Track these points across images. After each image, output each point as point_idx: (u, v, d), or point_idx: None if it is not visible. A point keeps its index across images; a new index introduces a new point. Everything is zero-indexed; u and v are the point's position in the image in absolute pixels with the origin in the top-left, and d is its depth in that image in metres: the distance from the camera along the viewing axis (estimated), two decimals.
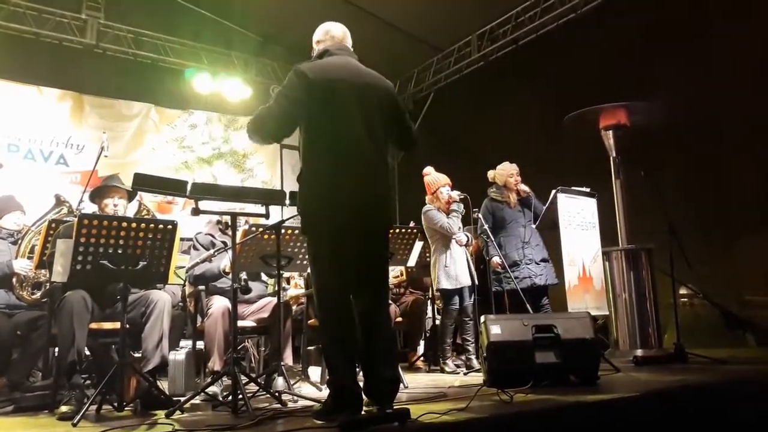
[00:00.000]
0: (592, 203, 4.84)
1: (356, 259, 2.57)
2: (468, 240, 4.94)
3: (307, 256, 3.81)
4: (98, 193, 3.71)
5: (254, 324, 3.95)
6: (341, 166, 2.55)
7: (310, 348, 4.83)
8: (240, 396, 2.86)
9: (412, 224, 4.85)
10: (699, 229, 5.42)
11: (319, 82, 2.58)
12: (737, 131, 5.60)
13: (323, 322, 2.57)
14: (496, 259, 5.02)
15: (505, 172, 5.28)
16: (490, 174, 5.37)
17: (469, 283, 4.86)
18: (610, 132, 5.19)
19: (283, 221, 3.49)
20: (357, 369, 2.66)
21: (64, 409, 2.97)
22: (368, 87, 2.67)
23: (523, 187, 5.20)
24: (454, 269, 4.84)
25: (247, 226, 3.77)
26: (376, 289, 2.66)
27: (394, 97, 2.80)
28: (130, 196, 3.72)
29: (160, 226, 3.20)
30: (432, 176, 5.10)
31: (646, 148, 5.47)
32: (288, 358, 3.85)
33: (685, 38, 5.89)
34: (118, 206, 3.63)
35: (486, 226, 4.92)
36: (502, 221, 5.19)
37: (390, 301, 5.17)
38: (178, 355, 3.95)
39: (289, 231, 3.70)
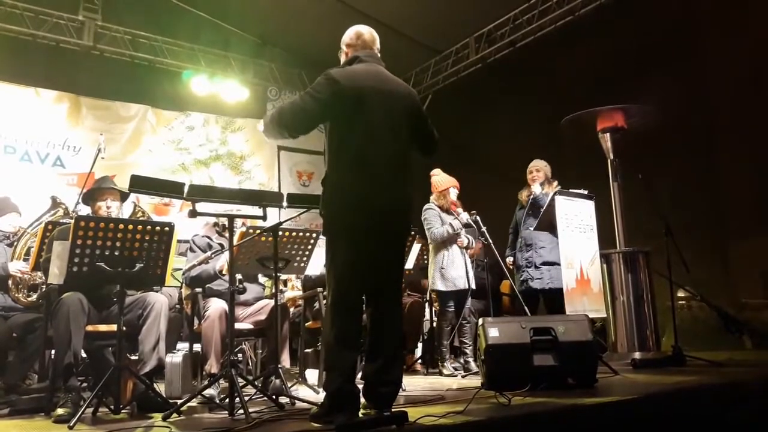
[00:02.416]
0: (590, 206, 4.84)
1: (375, 263, 2.59)
2: (469, 242, 4.93)
3: (304, 258, 3.83)
4: (91, 196, 3.70)
5: (251, 326, 3.94)
6: (366, 171, 2.59)
7: (307, 350, 4.82)
8: (237, 398, 2.85)
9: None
10: (696, 231, 5.43)
11: (349, 88, 2.62)
12: (733, 134, 5.62)
13: (332, 322, 2.57)
14: (509, 260, 5.03)
15: (528, 169, 5.24)
16: None
17: (466, 286, 4.82)
18: (608, 135, 5.21)
19: (280, 223, 3.48)
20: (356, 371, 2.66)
21: (60, 411, 2.95)
22: (395, 95, 2.72)
23: (533, 188, 5.12)
24: (451, 272, 4.83)
25: (244, 228, 3.76)
26: (391, 293, 2.69)
27: (418, 105, 2.88)
28: (123, 197, 3.71)
29: (157, 228, 3.19)
30: (440, 177, 5.11)
31: (643, 151, 5.48)
32: (285, 360, 3.84)
33: (681, 41, 5.91)
34: (111, 208, 3.62)
35: (483, 228, 4.91)
36: (518, 224, 5.23)
37: None
38: (175, 358, 3.94)
39: (286, 233, 3.69)
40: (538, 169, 5.17)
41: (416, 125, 2.82)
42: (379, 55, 2.88)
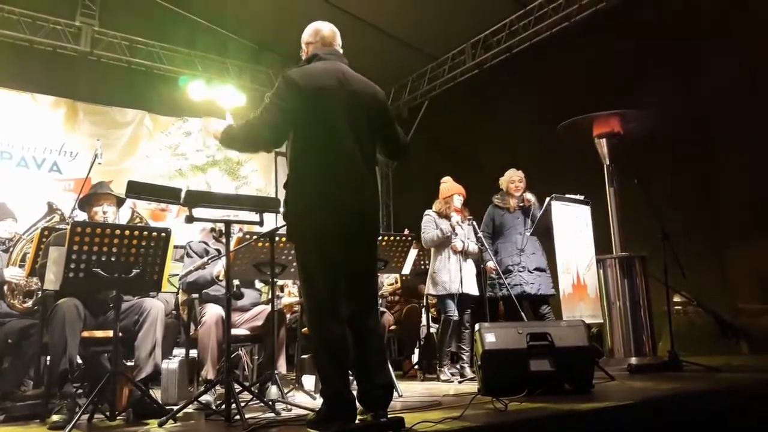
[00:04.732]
0: (586, 211, 4.85)
1: (344, 266, 2.55)
2: (464, 246, 4.93)
3: None
4: (87, 201, 3.70)
5: (248, 332, 3.93)
6: (328, 173, 2.53)
7: (304, 356, 4.81)
8: (233, 405, 2.84)
9: (406, 232, 4.85)
10: (693, 236, 5.43)
11: (308, 89, 2.56)
12: (730, 138, 5.64)
13: (314, 329, 2.56)
14: (490, 264, 5.03)
15: (507, 178, 5.31)
16: (500, 180, 5.40)
17: (458, 290, 4.79)
18: (604, 140, 5.22)
19: (277, 229, 3.48)
20: (351, 377, 2.65)
21: (55, 418, 2.93)
22: (357, 93, 2.65)
23: (528, 196, 5.17)
24: (442, 276, 4.84)
25: (240, 234, 3.76)
26: (366, 295, 2.64)
27: (384, 103, 2.78)
28: (119, 202, 3.71)
29: (154, 233, 3.18)
30: (447, 184, 5.15)
31: (639, 156, 5.49)
32: (282, 366, 3.83)
33: (677, 47, 5.93)
34: (108, 213, 3.62)
35: (480, 233, 4.93)
36: (501, 227, 5.21)
37: (384, 309, 5.18)
38: (171, 364, 3.93)
39: (283, 239, 3.68)
40: (521, 179, 5.25)
41: (380, 125, 2.71)
42: (341, 51, 2.79)
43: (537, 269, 5.00)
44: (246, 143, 2.73)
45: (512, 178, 5.27)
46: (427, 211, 5.09)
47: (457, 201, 5.03)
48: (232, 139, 2.70)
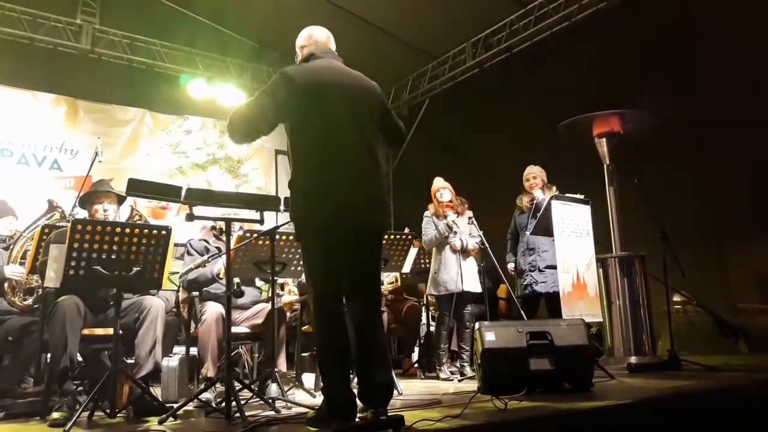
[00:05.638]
0: (586, 210, 4.85)
1: (349, 264, 2.56)
2: (463, 244, 4.93)
3: (301, 263, 3.83)
4: (88, 199, 3.70)
5: (248, 330, 3.93)
6: (332, 169, 2.54)
7: (304, 354, 4.82)
8: (233, 402, 2.84)
9: (406, 230, 4.86)
10: (692, 236, 5.43)
11: (306, 85, 2.58)
12: (729, 138, 5.64)
13: (317, 328, 2.56)
14: (509, 266, 5.04)
15: (523, 176, 5.28)
16: None
17: (459, 289, 4.78)
18: (604, 139, 5.23)
19: (277, 227, 3.49)
20: (351, 375, 2.65)
21: (55, 415, 2.94)
22: (356, 88, 2.68)
23: (535, 193, 5.14)
24: (442, 276, 4.84)
25: (241, 232, 3.76)
26: (369, 293, 2.65)
27: (380, 96, 2.81)
28: (120, 200, 3.71)
29: (154, 231, 3.19)
30: (434, 183, 5.16)
31: (639, 156, 5.49)
32: (282, 364, 3.84)
33: (677, 47, 5.93)
34: (108, 211, 3.62)
35: (480, 233, 4.93)
36: (518, 227, 5.23)
37: (383, 308, 5.18)
38: (172, 362, 3.94)
39: (284, 237, 3.69)
40: (535, 175, 5.22)
41: (381, 118, 2.75)
42: (336, 52, 2.83)
43: (549, 267, 4.95)
44: (230, 131, 2.71)
45: (526, 176, 5.25)
46: (426, 213, 5.08)
47: (442, 196, 4.99)
48: (227, 128, 2.71)
